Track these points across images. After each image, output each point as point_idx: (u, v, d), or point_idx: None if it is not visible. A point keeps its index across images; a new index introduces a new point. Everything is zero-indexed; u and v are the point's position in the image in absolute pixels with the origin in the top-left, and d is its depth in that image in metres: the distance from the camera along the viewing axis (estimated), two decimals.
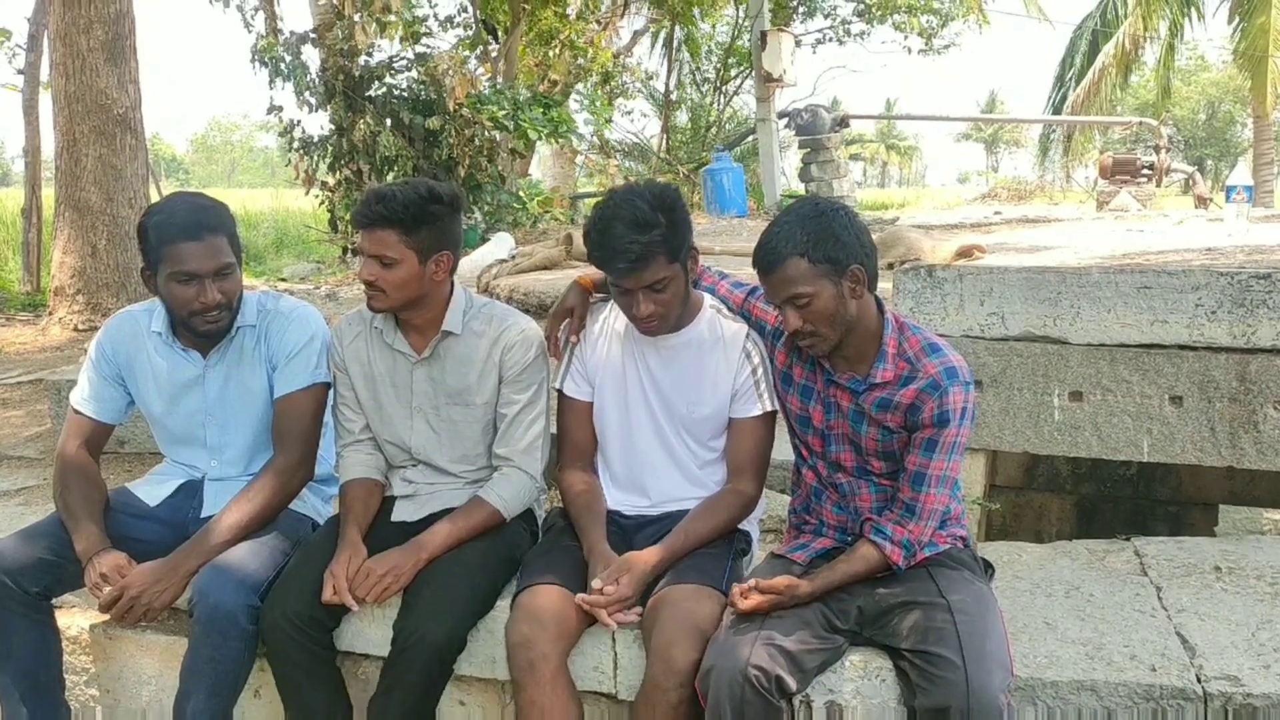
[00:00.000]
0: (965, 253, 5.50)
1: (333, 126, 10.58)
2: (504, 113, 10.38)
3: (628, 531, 2.70)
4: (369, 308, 2.68)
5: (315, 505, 2.95)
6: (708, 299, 2.70)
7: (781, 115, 14.98)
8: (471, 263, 6.96)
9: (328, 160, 10.77)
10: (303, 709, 2.58)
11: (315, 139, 10.71)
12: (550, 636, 2.37)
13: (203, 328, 2.69)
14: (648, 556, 2.48)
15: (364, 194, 2.64)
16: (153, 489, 2.90)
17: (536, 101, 10.85)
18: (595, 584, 2.42)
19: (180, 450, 2.94)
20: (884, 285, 2.86)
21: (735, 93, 21.06)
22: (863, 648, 2.36)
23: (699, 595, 2.39)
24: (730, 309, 2.71)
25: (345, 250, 11.26)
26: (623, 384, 2.69)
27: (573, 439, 2.76)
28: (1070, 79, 22.86)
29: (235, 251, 2.71)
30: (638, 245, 2.40)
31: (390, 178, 10.60)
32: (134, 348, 2.84)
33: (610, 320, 2.73)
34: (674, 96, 20.31)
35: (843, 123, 15.06)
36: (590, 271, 2.76)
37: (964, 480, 3.55)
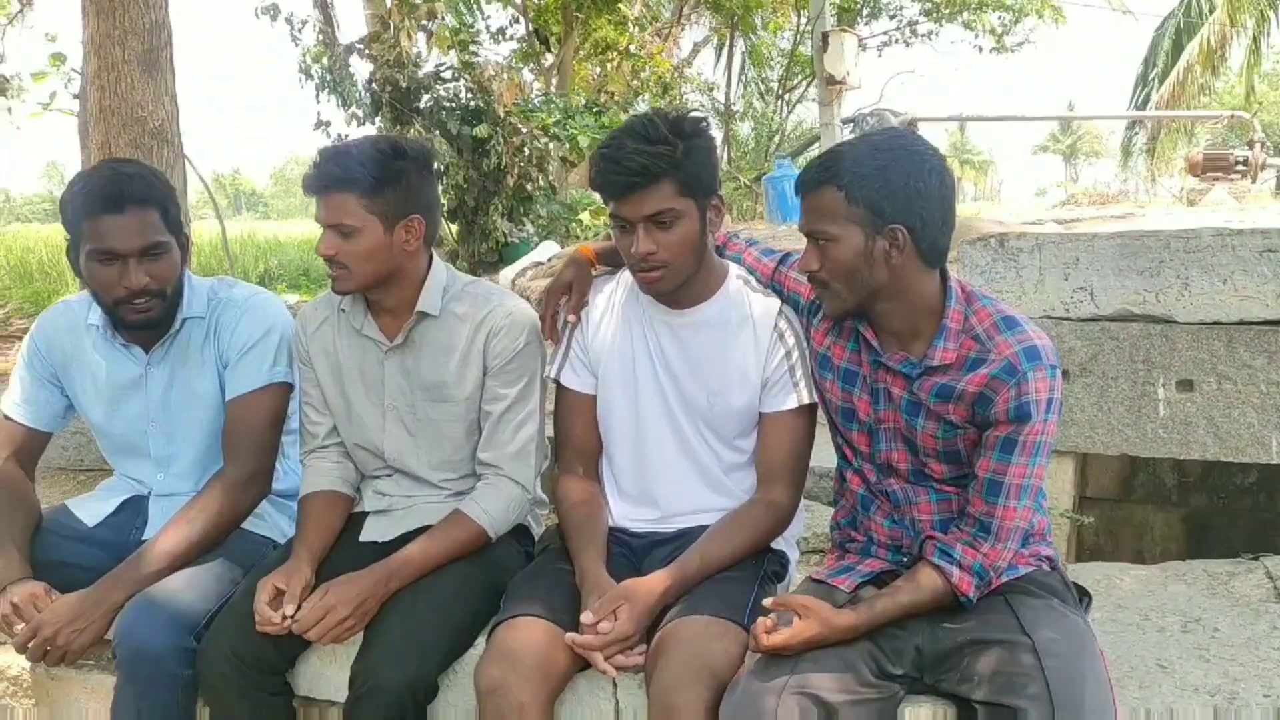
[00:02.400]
0: None
1: None
2: (554, 120, 10.03)
3: (636, 552, 2.23)
4: (333, 289, 2.27)
5: (278, 524, 2.53)
6: (734, 269, 2.24)
7: (846, 121, 14.49)
8: (511, 271, 6.58)
9: None
10: None
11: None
12: (529, 682, 1.91)
13: (130, 317, 2.30)
14: (653, 584, 2.01)
15: (317, 154, 2.23)
16: (94, 506, 2.51)
17: (588, 109, 10.48)
18: (587, 618, 1.96)
19: (125, 462, 2.55)
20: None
21: (799, 100, 20.56)
22: (923, 697, 1.87)
23: (714, 630, 1.91)
24: (759, 281, 2.24)
25: None
26: (631, 372, 2.23)
27: (572, 439, 2.31)
28: (1154, 78, 21.92)
29: (172, 229, 2.32)
30: (642, 156, 1.98)
31: (440, 189, 10.33)
32: (70, 343, 2.46)
33: (616, 296, 2.28)
34: (735, 108, 19.88)
35: (911, 127, 14.49)
36: (571, 249, 2.33)
37: (1049, 488, 3.01)
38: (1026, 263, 2.84)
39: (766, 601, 1.84)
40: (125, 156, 7.48)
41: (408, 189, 2.19)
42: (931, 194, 1.85)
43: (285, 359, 2.44)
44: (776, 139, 19.86)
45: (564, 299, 2.30)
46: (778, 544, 2.23)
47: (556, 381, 2.31)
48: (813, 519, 2.72)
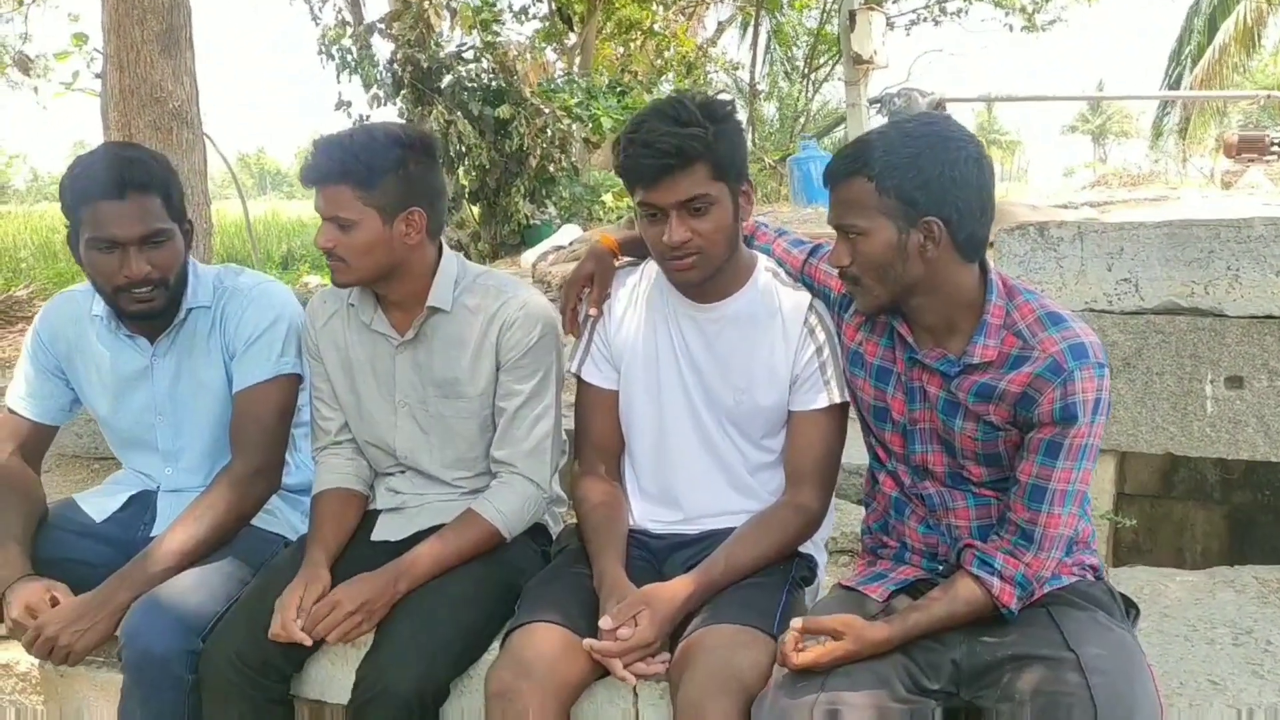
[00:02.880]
0: None
1: (403, 121, 10.27)
2: (577, 101, 9.92)
3: (656, 555, 2.14)
4: (333, 282, 2.18)
5: (290, 521, 2.46)
6: (763, 261, 2.14)
7: (873, 101, 14.26)
8: (533, 254, 6.49)
9: None
10: None
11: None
12: (540, 689, 1.82)
13: (131, 307, 2.22)
14: (676, 589, 1.92)
15: (311, 144, 2.14)
16: (101, 501, 2.44)
17: (611, 90, 10.36)
18: (605, 623, 1.87)
19: (133, 456, 2.48)
20: None
21: (825, 80, 20.29)
22: (959, 714, 1.77)
23: (742, 640, 1.82)
24: (789, 273, 2.14)
25: None
26: (654, 368, 2.14)
27: (592, 437, 2.22)
28: (1187, 56, 21.51)
29: (175, 216, 2.23)
30: (675, 138, 1.87)
31: (461, 172, 10.26)
32: (74, 334, 2.39)
33: (640, 288, 2.18)
34: (760, 87, 19.65)
35: (939, 108, 14.25)
36: (595, 232, 2.22)
37: (1092, 490, 2.89)
38: (1068, 252, 2.71)
39: (796, 623, 1.74)
40: (145, 136, 7.46)
41: (407, 180, 2.10)
42: (968, 183, 1.73)
43: (294, 349, 2.35)
44: (802, 119, 19.63)
45: (585, 291, 2.21)
46: (805, 547, 2.14)
47: (577, 377, 2.22)
48: (841, 518, 2.62)
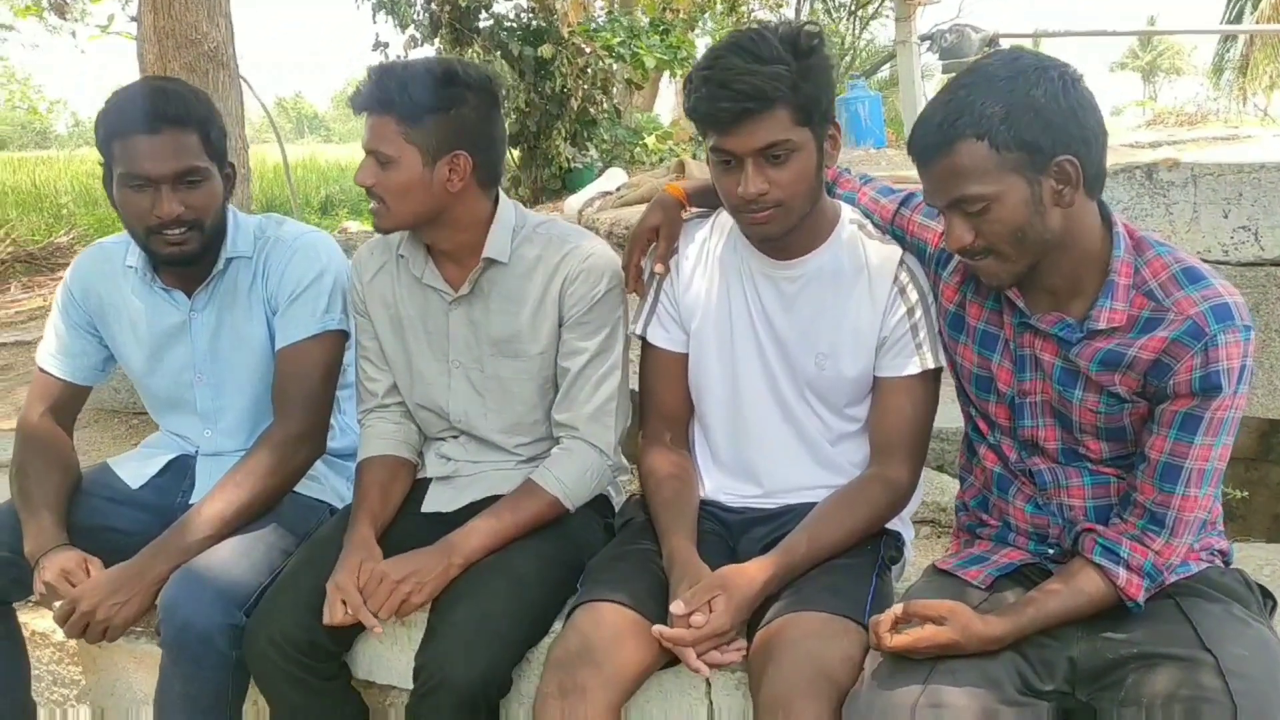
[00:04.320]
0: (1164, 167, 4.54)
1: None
2: (619, 40, 9.61)
3: (732, 530, 1.98)
4: (374, 226, 2.01)
5: (335, 488, 2.32)
6: (848, 211, 1.93)
7: (924, 38, 13.80)
8: (578, 200, 6.28)
9: None
10: None
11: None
12: (602, 674, 1.67)
13: (164, 250, 2.07)
14: (754, 572, 1.75)
15: (366, 70, 1.96)
16: (137, 467, 2.31)
17: (654, 27, 10.04)
18: (677, 608, 1.70)
19: (170, 418, 2.35)
20: None
21: (873, 16, 19.73)
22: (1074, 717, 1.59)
23: (830, 630, 1.66)
24: (877, 225, 1.93)
25: None
26: (728, 330, 1.95)
27: (659, 404, 2.04)
28: None
29: (214, 156, 2.07)
30: (755, 78, 1.66)
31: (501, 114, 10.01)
32: (107, 288, 2.24)
33: (711, 243, 1.99)
34: None
35: (992, 43, 13.78)
36: (646, 177, 2.03)
37: None
38: (1178, 198, 2.47)
39: (897, 608, 1.56)
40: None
41: (458, 121, 1.91)
42: (1086, 106, 1.53)
43: (340, 304, 2.20)
44: (849, 58, 19.12)
45: (651, 246, 2.02)
46: (893, 524, 1.96)
47: (642, 338, 2.04)
48: (930, 488, 2.42)
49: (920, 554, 2.35)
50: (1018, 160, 1.51)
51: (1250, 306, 2.49)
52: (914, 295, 1.86)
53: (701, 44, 13.71)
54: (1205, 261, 2.52)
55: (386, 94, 1.89)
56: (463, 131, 1.93)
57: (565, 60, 9.32)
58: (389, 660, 2.04)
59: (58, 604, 1.98)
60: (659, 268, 1.99)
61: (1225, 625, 1.56)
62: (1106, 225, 1.63)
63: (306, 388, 2.15)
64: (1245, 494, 2.84)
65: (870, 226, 1.92)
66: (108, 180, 2.08)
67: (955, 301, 1.80)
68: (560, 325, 2.04)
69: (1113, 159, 5.28)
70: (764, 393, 1.94)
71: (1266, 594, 1.73)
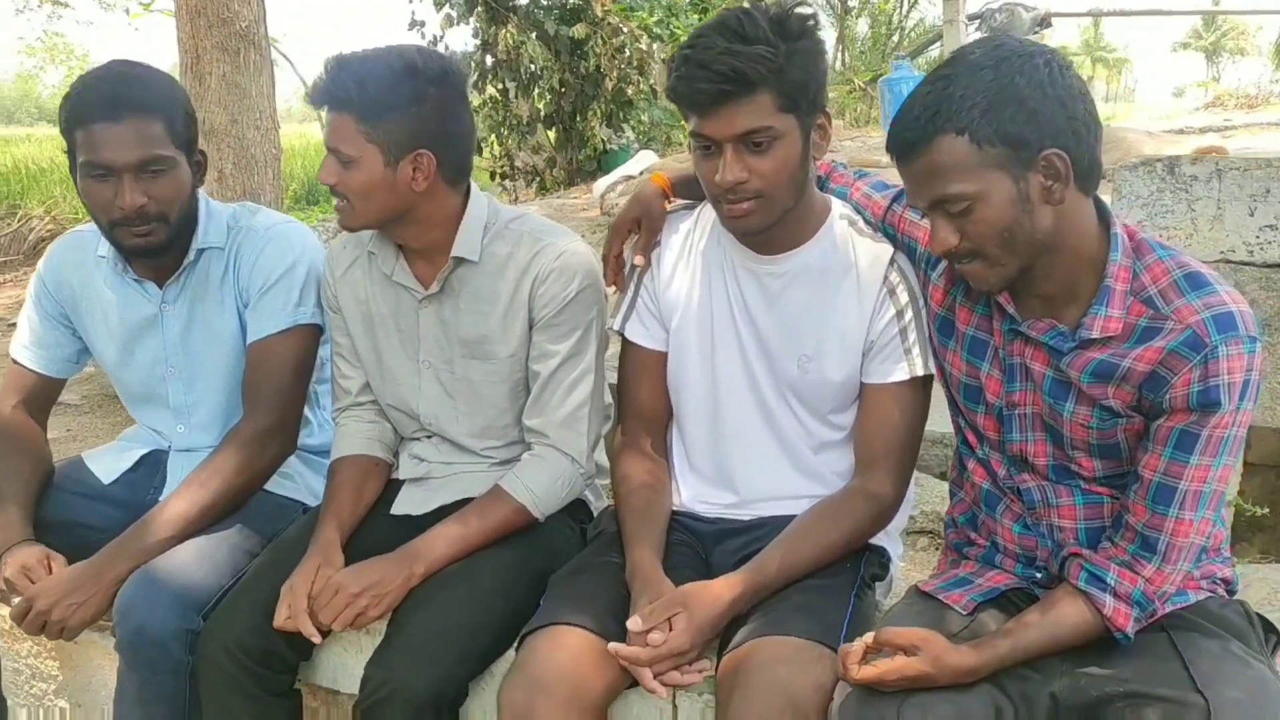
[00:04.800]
0: (1205, 156, 4.36)
1: (477, 41, 9.99)
2: (656, 19, 9.49)
3: (703, 540, 1.88)
4: (340, 224, 1.93)
5: (310, 485, 2.25)
6: (837, 206, 1.82)
7: (973, 18, 13.49)
8: (603, 184, 6.19)
9: (473, 79, 10.20)
10: None
11: (459, 56, 10.14)
12: (556, 702, 1.59)
13: (128, 242, 2.00)
14: (720, 590, 1.66)
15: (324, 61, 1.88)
16: (111, 461, 2.26)
17: (693, 6, 9.90)
18: (634, 624, 1.62)
19: (144, 412, 2.29)
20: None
21: None
22: None
23: (802, 656, 1.56)
24: (868, 221, 1.82)
25: (492, 174, 10.75)
26: (709, 328, 1.85)
27: (637, 404, 1.95)
28: None
29: (180, 144, 2.00)
30: (735, 59, 1.57)
31: (536, 94, 9.95)
32: (80, 279, 2.19)
33: (694, 236, 1.89)
34: (851, 2, 18.80)
35: (1044, 22, 13.44)
36: (670, 165, 1.92)
37: None
38: (1202, 193, 2.31)
39: (868, 637, 1.46)
40: (212, 58, 7.29)
41: (419, 118, 1.82)
42: (1074, 96, 1.41)
43: (313, 298, 2.12)
44: (895, 37, 18.76)
45: (631, 237, 1.92)
46: (878, 538, 1.85)
47: (621, 335, 1.95)
48: (922, 495, 2.31)
49: (917, 567, 2.25)
50: (1002, 155, 1.40)
51: (1276, 311, 2.36)
52: (904, 297, 1.75)
53: None
54: (1229, 262, 2.41)
55: (344, 91, 1.81)
56: (424, 129, 1.84)
57: (601, 40, 9.22)
58: (353, 668, 1.96)
59: (16, 600, 1.94)
60: (638, 260, 1.89)
61: (1222, 665, 1.44)
62: (1104, 226, 1.51)
63: (276, 383, 2.09)
64: (1265, 510, 2.69)
65: (862, 223, 1.81)
66: (73, 169, 2.02)
67: (944, 305, 1.69)
68: (531, 327, 1.95)
69: (1155, 146, 5.07)
70: (744, 394, 1.84)
71: (1270, 628, 1.60)
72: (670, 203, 1.95)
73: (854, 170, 1.91)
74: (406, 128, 1.81)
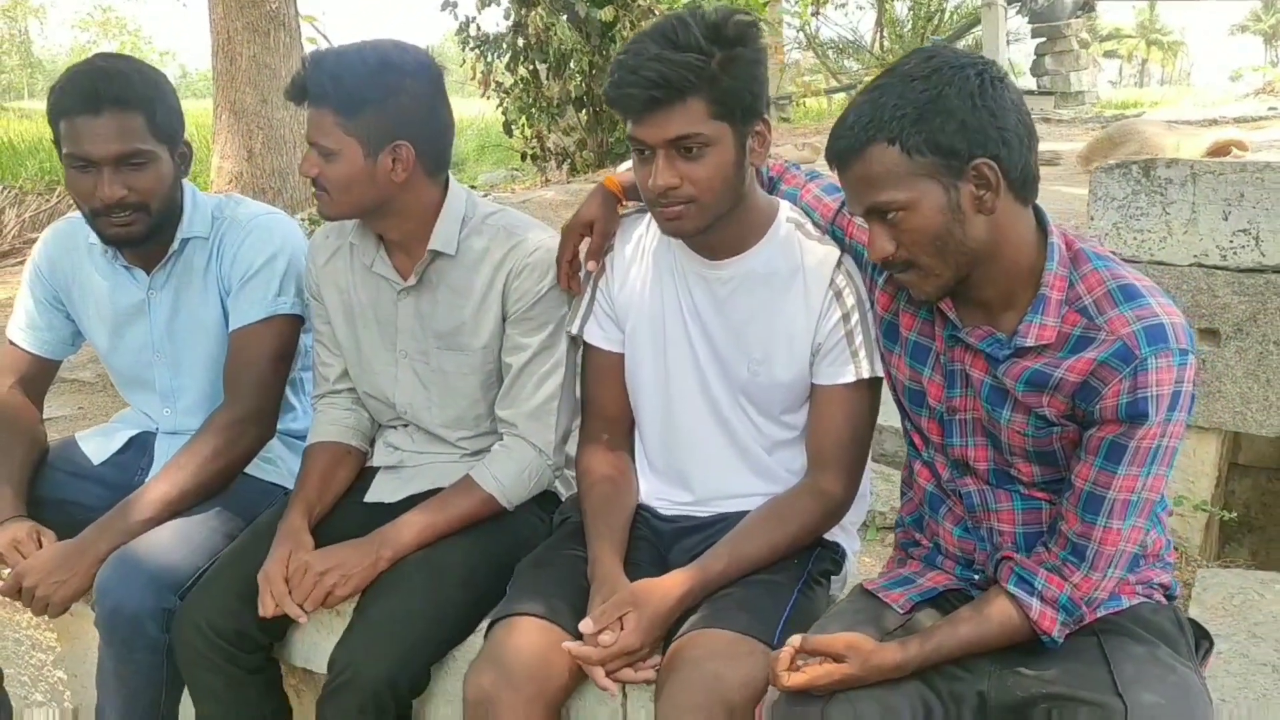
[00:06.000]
0: (1221, 150, 4.30)
1: (509, 23, 10.00)
2: (685, 2, 9.45)
3: (662, 537, 1.92)
4: (319, 214, 1.99)
5: (292, 469, 2.29)
6: (786, 209, 1.84)
7: (1013, 1, 13.32)
8: (623, 168, 6.18)
9: (505, 60, 10.23)
10: None
11: (491, 37, 10.17)
12: (521, 696, 1.64)
13: (109, 231, 2.07)
14: (669, 587, 1.70)
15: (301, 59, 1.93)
16: (102, 442, 2.34)
17: None
18: (586, 626, 1.66)
19: (134, 395, 2.37)
20: (1076, 191, 1.89)
21: None
22: None
23: (734, 650, 1.60)
24: (817, 224, 1.84)
25: (524, 155, 10.78)
26: (661, 330, 1.88)
27: (598, 404, 1.98)
28: None
29: (162, 137, 2.05)
30: (664, 65, 1.58)
31: (566, 76, 9.95)
32: (72, 264, 2.26)
33: (646, 240, 1.92)
34: None
35: (1086, 6, 13.26)
36: (624, 170, 1.96)
37: (1189, 470, 2.54)
38: (1176, 197, 2.29)
39: (794, 641, 1.49)
40: (243, 39, 7.42)
41: (397, 110, 1.87)
42: (1004, 107, 1.42)
43: (293, 288, 2.18)
44: (935, 20, 18.49)
45: (586, 241, 1.95)
46: (833, 534, 1.89)
47: (580, 338, 1.98)
48: (892, 491, 2.33)
49: (882, 563, 2.27)
50: (932, 165, 1.42)
51: (1248, 316, 2.36)
52: (850, 299, 1.77)
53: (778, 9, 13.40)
54: (1202, 266, 2.40)
55: (321, 86, 1.85)
56: (403, 121, 1.88)
57: (629, 23, 9.20)
58: (325, 649, 2.02)
59: (5, 573, 2.02)
60: (591, 265, 1.92)
61: (1145, 670, 1.46)
62: (1044, 234, 1.53)
63: (255, 371, 2.15)
64: (1231, 515, 2.68)
65: (809, 225, 1.83)
66: (60, 157, 2.09)
67: (890, 310, 1.71)
68: (504, 320, 2.00)
69: (1174, 139, 5.00)
70: (696, 396, 1.87)
71: (1203, 634, 1.62)
72: (624, 206, 1.98)
73: (806, 172, 1.93)
74: (384, 120, 1.86)
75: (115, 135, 1.98)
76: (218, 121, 7.74)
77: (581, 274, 1.95)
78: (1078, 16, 13.18)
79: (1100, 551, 1.49)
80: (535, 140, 10.68)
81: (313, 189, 1.96)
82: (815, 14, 14.86)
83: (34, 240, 8.84)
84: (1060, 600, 1.50)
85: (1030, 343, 1.50)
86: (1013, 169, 1.43)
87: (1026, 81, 13.14)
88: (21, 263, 7.87)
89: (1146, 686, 1.42)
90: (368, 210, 1.94)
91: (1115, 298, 1.47)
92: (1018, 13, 13.27)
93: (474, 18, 10.11)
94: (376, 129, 1.86)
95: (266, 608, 1.85)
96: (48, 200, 8.79)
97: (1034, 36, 13.49)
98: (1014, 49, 16.42)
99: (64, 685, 2.53)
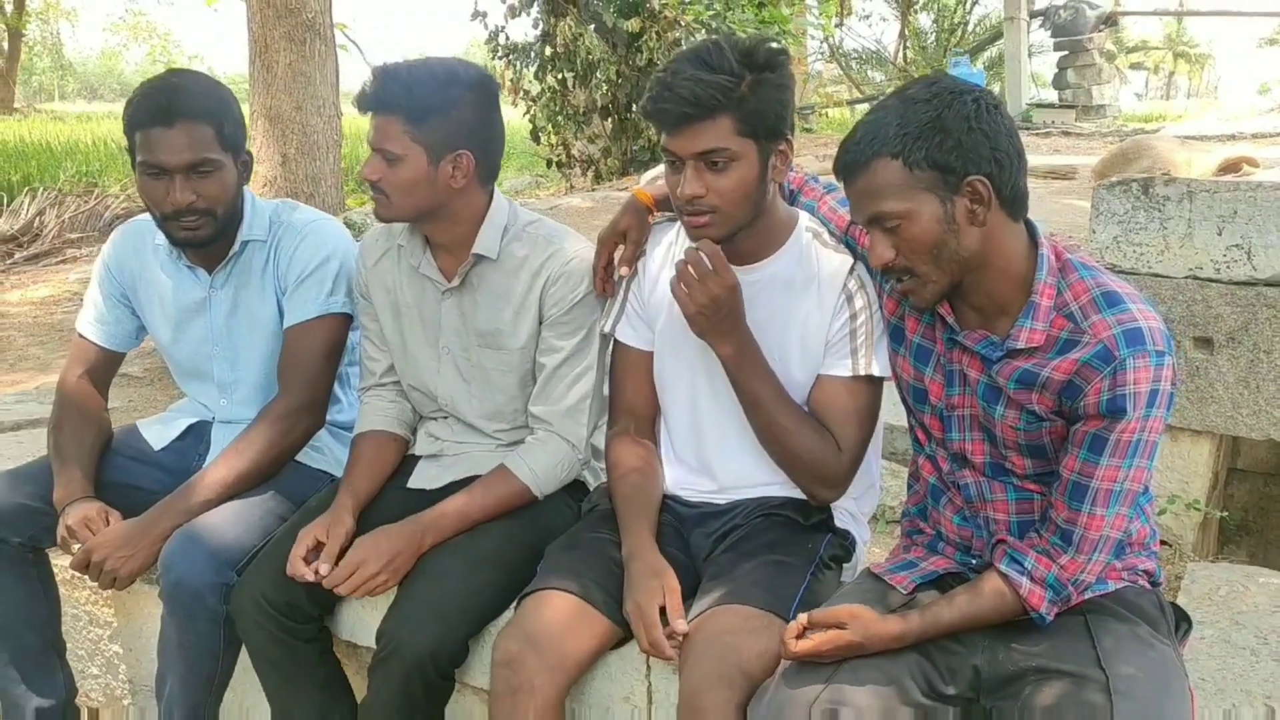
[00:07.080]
0: (1232, 167, 4.40)
1: (538, 33, 10.20)
2: (712, 13, 9.61)
3: (685, 522, 2.07)
4: (375, 214, 2.15)
5: (338, 458, 2.46)
6: (805, 220, 1.99)
7: (1035, 14, 13.40)
8: (647, 177, 6.34)
9: (533, 69, 10.42)
10: (283, 713, 2.13)
11: (519, 46, 10.37)
12: (548, 663, 1.79)
13: (178, 234, 2.24)
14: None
15: (371, 70, 2.09)
16: (161, 429, 2.51)
17: (749, 0, 9.99)
18: (680, 625, 1.77)
19: (192, 386, 2.54)
20: (1079, 203, 2.03)
21: None
22: None
23: (751, 624, 1.74)
24: (833, 233, 1.99)
25: (549, 163, 10.96)
26: (687, 332, 2.02)
27: (627, 399, 2.13)
28: None
29: (228, 146, 2.23)
30: (698, 85, 1.74)
31: (593, 85, 10.13)
32: (139, 264, 2.43)
33: (676, 246, 2.07)
34: None
35: (1109, 21, 13.32)
36: (649, 178, 2.11)
37: (1183, 474, 2.67)
38: (1173, 213, 2.43)
39: (803, 617, 1.64)
40: (280, 47, 7.61)
41: (460, 120, 2.03)
42: (998, 131, 1.58)
43: (344, 289, 2.34)
44: (958, 33, 18.60)
45: (620, 248, 2.11)
46: (844, 523, 2.03)
47: (612, 337, 2.14)
48: (900, 486, 2.47)
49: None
50: (930, 179, 1.57)
51: (1239, 326, 2.48)
52: (859, 303, 1.91)
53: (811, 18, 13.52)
54: (1197, 279, 2.53)
55: (391, 95, 2.00)
56: (465, 130, 2.04)
57: (655, 35, 9.37)
58: (370, 624, 2.19)
59: (76, 547, 2.19)
60: (624, 270, 2.08)
61: (1126, 645, 1.59)
62: (1035, 246, 1.67)
63: (308, 365, 2.31)
64: (1225, 513, 2.80)
65: (826, 235, 1.98)
66: (134, 165, 2.26)
67: (896, 314, 1.86)
68: (540, 323, 2.15)
69: (1186, 156, 5.12)
70: (721, 394, 2.01)
71: (1183, 616, 1.75)
72: (654, 216, 2.14)
73: (824, 184, 2.08)
74: (448, 129, 2.01)
75: (186, 145, 2.15)
76: (253, 127, 7.93)
77: (615, 278, 2.10)
78: (1100, 30, 13.24)
79: (1085, 536, 1.62)
80: (561, 147, 10.85)
81: (369, 193, 2.11)
82: (839, 25, 14.97)
83: (73, 241, 9.03)
84: (1048, 579, 1.64)
85: (1021, 345, 1.64)
86: (1004, 187, 1.58)
87: (1048, 95, 13.20)
88: (62, 262, 8.10)
89: (1126, 660, 1.56)
90: (424, 213, 2.09)
91: (1099, 304, 1.61)
92: (1040, 26, 13.33)
93: (503, 27, 10.31)
94: (441, 137, 2.01)
95: (289, 567, 2.01)
96: (86, 202, 9.00)
97: (1056, 50, 13.57)
98: (1036, 61, 16.48)
99: (119, 659, 2.69)
